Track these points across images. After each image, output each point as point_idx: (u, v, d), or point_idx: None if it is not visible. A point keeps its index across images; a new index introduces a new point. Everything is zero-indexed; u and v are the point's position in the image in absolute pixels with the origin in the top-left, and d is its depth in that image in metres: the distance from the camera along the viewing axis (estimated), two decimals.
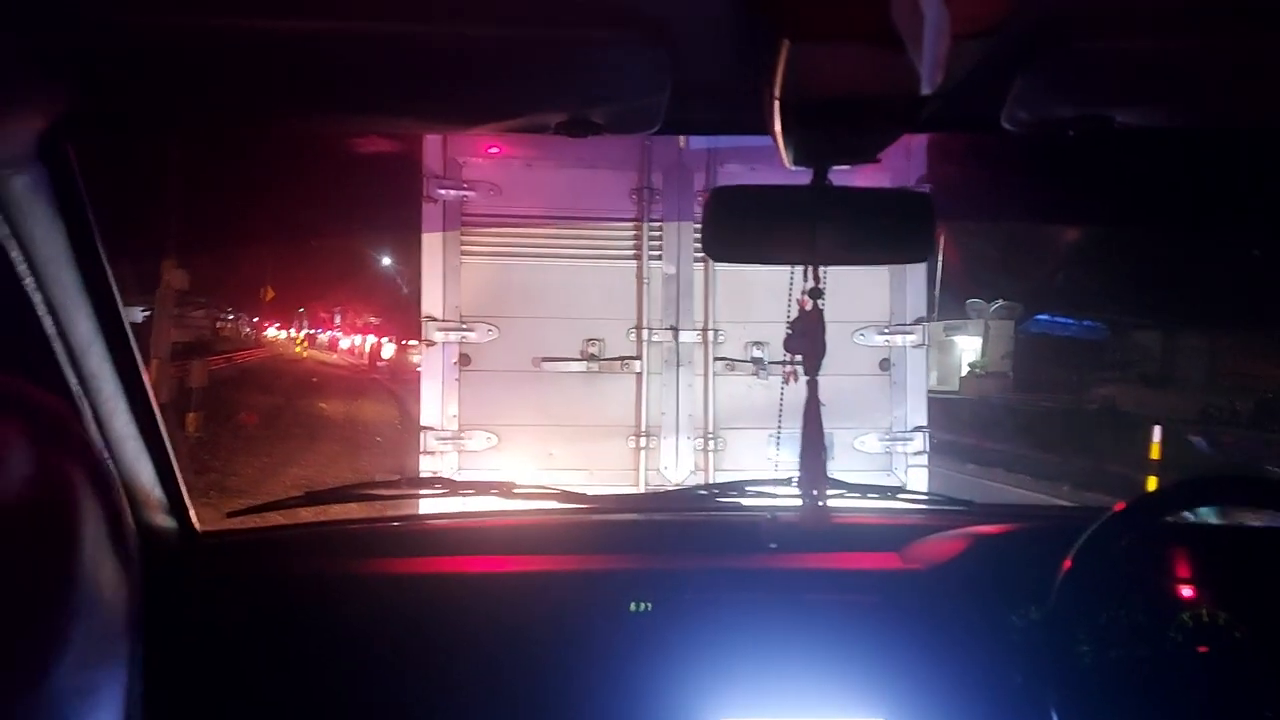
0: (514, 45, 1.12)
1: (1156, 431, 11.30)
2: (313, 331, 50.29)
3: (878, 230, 1.42)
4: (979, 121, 1.32)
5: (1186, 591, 1.61)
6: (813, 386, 1.61)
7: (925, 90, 0.79)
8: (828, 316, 1.60)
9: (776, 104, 1.11)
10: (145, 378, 1.54)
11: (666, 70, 1.14)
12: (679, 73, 1.15)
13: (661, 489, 4.50)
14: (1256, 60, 1.19)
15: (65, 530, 0.42)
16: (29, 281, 1.25)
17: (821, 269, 1.53)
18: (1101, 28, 1.09)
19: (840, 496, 1.86)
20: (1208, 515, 1.76)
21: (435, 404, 4.54)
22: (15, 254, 1.22)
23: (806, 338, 1.58)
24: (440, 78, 1.21)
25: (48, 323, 1.30)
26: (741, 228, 1.41)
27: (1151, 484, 10.85)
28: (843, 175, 1.42)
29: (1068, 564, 1.47)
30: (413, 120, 1.66)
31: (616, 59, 1.14)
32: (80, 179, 1.30)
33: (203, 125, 1.61)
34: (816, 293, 1.54)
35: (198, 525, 1.77)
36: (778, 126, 1.18)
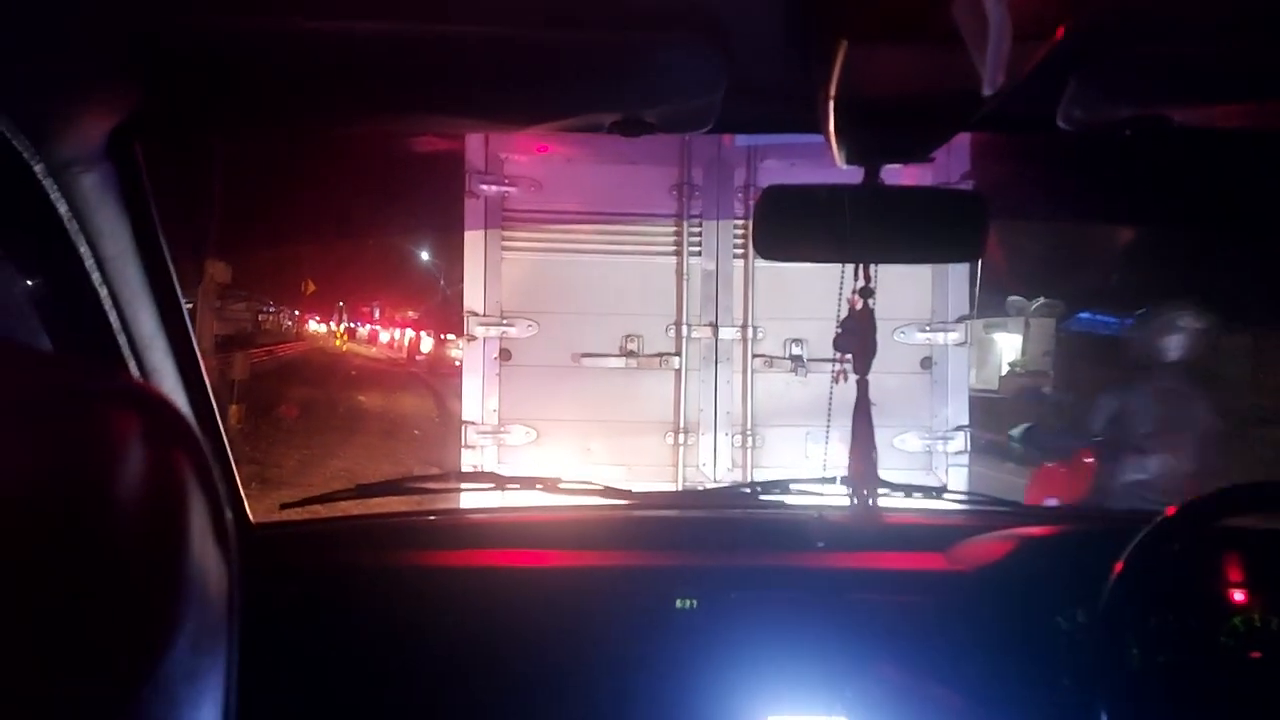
0: (571, 46, 1.13)
1: None
2: (352, 325, 50.83)
3: (930, 230, 1.42)
4: (1035, 121, 1.31)
5: (1238, 596, 1.59)
6: (862, 386, 1.60)
7: (986, 92, 0.79)
8: None
9: (831, 104, 1.11)
10: (204, 372, 1.57)
11: (722, 70, 1.15)
12: (733, 72, 1.16)
13: (700, 485, 4.51)
14: None
15: (178, 521, 0.44)
16: (96, 276, 1.28)
17: (871, 268, 1.53)
18: (1161, 29, 1.09)
19: (886, 496, 1.86)
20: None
21: (476, 398, 4.57)
22: (84, 249, 1.25)
23: (857, 337, 1.58)
24: (498, 78, 1.22)
25: (113, 316, 1.33)
26: (793, 227, 1.41)
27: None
28: (888, 172, 1.41)
29: (1119, 567, 1.45)
30: (469, 120, 1.68)
31: (673, 59, 1.15)
32: (146, 176, 1.34)
33: (266, 126, 1.64)
34: (868, 292, 1.54)
35: (251, 517, 1.81)
36: (831, 126, 1.19)
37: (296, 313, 48.58)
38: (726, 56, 1.13)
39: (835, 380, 1.65)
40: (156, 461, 0.44)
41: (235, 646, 0.48)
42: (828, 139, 1.24)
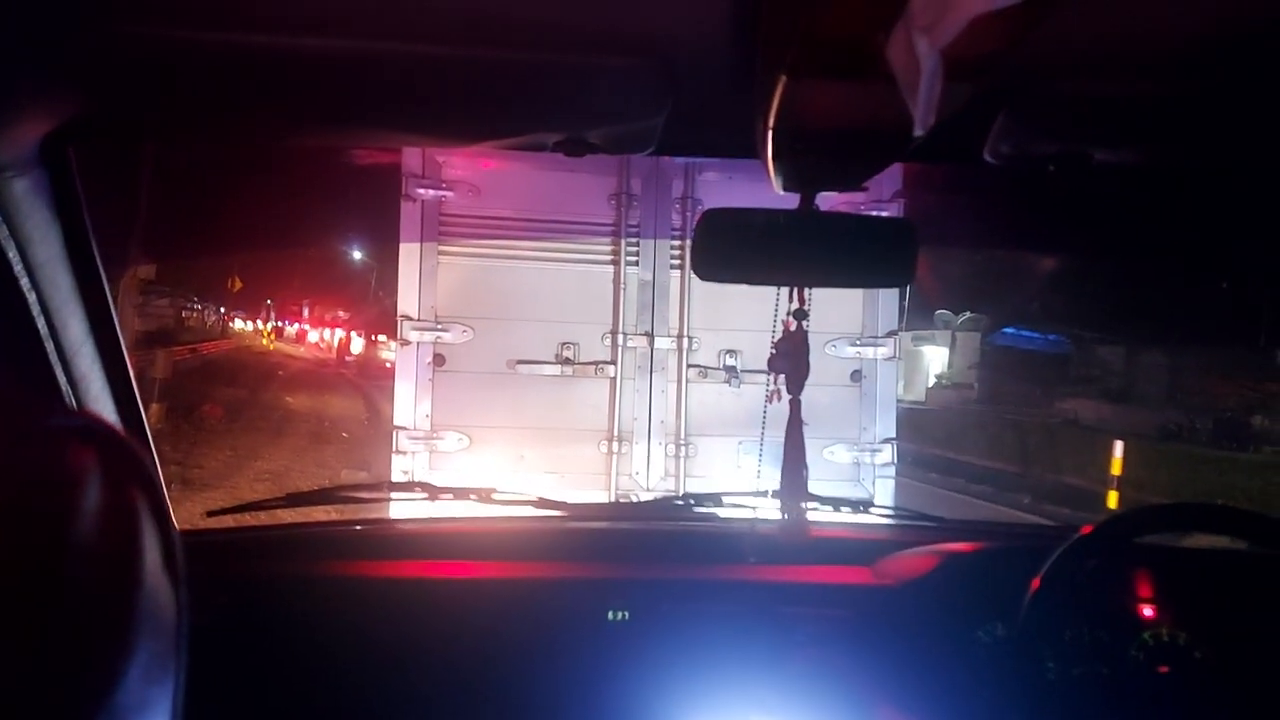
0: (516, 66, 1.14)
1: (1118, 447, 11.49)
2: (280, 324, 49.90)
3: (862, 255, 1.46)
4: (963, 153, 1.36)
5: (1149, 611, 1.66)
6: (795, 405, 1.64)
7: (918, 130, 0.82)
8: None
9: (770, 133, 1.14)
10: (132, 379, 1.54)
11: (665, 95, 1.18)
12: (677, 98, 1.19)
13: (632, 494, 4.53)
14: (1225, 105, 1.24)
15: (133, 555, 0.45)
16: (24, 281, 1.25)
17: (806, 291, 1.57)
18: (1083, 71, 1.14)
19: (816, 510, 1.90)
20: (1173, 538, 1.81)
21: (408, 404, 4.54)
22: (12, 254, 1.22)
23: (790, 358, 1.61)
24: (441, 97, 1.23)
25: (40, 323, 1.30)
26: (730, 249, 1.44)
27: (1112, 499, 11.05)
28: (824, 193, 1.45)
29: (1036, 584, 1.51)
30: (411, 136, 1.69)
31: (618, 82, 1.17)
32: (79, 182, 1.31)
33: (203, 135, 1.62)
34: (802, 314, 1.58)
35: (175, 524, 1.77)
36: (770, 153, 1.22)
37: (222, 310, 47.53)
38: (670, 83, 1.15)
39: (769, 400, 1.68)
40: (113, 497, 0.44)
41: (183, 673, 0.49)
42: (766, 165, 1.27)
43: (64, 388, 1.37)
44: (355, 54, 1.10)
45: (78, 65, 1.12)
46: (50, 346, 1.33)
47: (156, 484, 0.49)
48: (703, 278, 1.46)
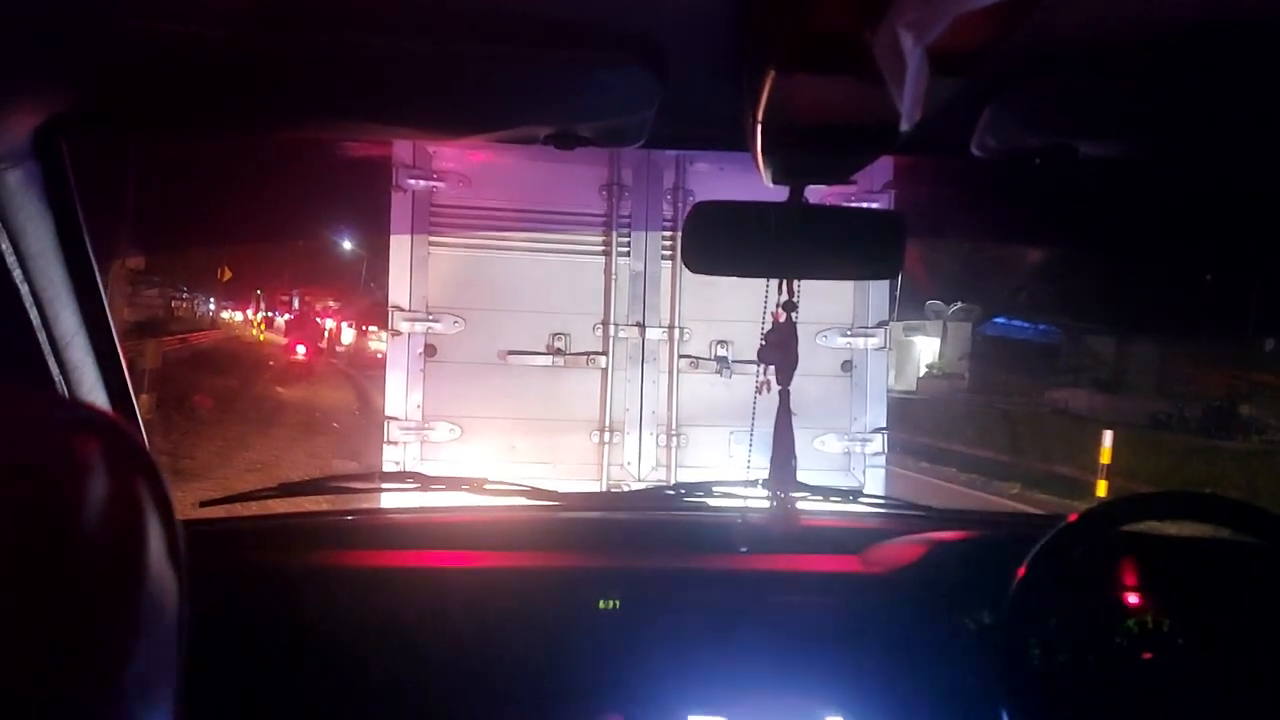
0: (507, 60, 1.15)
1: (1108, 436, 11.56)
2: (270, 314, 49.69)
3: (851, 248, 1.47)
4: (950, 147, 1.37)
5: (1133, 599, 1.68)
6: (784, 395, 1.65)
7: (905, 124, 0.83)
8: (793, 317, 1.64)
9: (759, 127, 1.15)
10: (125, 370, 1.55)
11: (655, 90, 1.18)
12: (666, 92, 1.20)
13: (624, 484, 4.54)
14: (1210, 97, 1.26)
15: (137, 545, 0.46)
16: (17, 273, 1.26)
17: (796, 282, 1.58)
18: (1068, 65, 1.15)
19: (805, 499, 1.91)
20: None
21: (400, 394, 4.54)
22: (5, 245, 1.22)
23: (779, 349, 1.63)
24: (432, 90, 1.24)
25: (33, 314, 1.30)
26: (720, 242, 1.45)
27: (1102, 487, 11.11)
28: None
29: (1021, 571, 1.52)
30: (402, 129, 1.69)
31: (608, 76, 1.18)
32: (72, 174, 1.31)
33: (195, 127, 1.62)
34: (791, 305, 1.59)
35: (177, 514, 1.77)
36: (758, 147, 1.23)
37: (212, 300, 47.35)
38: (660, 77, 1.16)
39: (759, 390, 1.69)
40: (117, 488, 0.45)
41: (184, 662, 0.50)
42: (755, 158, 1.28)
43: (57, 379, 1.38)
44: (347, 47, 1.10)
45: (72, 58, 1.12)
46: (43, 337, 1.33)
47: (159, 475, 0.50)
48: (692, 270, 1.47)
